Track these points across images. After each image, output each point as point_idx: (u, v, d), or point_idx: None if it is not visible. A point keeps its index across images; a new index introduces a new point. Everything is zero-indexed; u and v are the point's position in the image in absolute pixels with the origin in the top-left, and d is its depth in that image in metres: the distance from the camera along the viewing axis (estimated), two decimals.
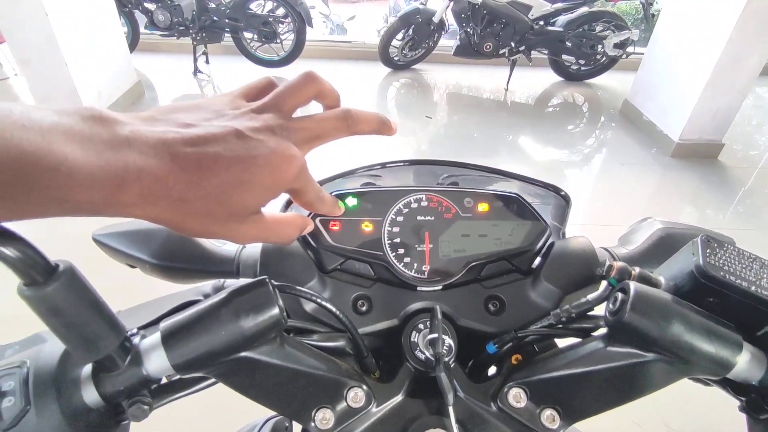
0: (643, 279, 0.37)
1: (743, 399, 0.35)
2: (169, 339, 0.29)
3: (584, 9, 3.92)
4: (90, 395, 0.29)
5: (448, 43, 4.36)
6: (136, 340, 0.30)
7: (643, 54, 3.63)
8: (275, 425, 0.55)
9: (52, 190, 0.20)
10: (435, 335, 0.38)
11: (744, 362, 0.32)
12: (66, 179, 0.20)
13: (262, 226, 0.29)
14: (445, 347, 0.39)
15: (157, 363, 0.29)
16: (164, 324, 0.30)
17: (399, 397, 0.38)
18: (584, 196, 2.86)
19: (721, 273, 0.33)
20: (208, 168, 0.25)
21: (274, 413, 0.59)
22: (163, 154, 0.24)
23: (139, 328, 0.32)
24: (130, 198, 0.23)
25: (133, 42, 4.02)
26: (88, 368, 0.29)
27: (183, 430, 1.35)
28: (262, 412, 0.48)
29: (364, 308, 0.44)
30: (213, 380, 0.33)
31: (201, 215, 0.26)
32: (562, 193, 0.52)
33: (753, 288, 0.33)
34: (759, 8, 2.62)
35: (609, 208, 2.70)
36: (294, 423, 0.58)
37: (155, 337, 0.30)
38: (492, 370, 0.44)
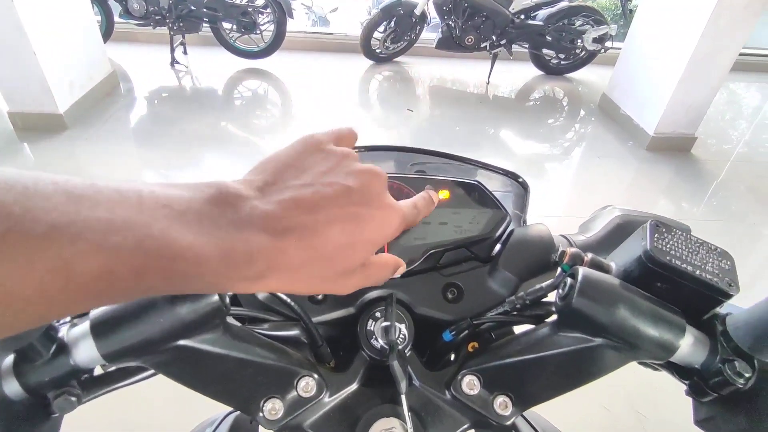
0: (595, 265, 0.37)
1: (687, 382, 0.35)
2: (98, 327, 0.28)
3: (564, 3, 3.95)
4: (11, 387, 0.27)
5: (430, 36, 4.34)
6: (65, 328, 0.29)
7: (620, 49, 3.68)
8: (236, 420, 0.54)
9: (184, 278, 0.21)
10: (389, 323, 0.37)
11: (687, 346, 0.32)
12: (194, 266, 0.21)
13: (366, 274, 0.29)
14: (401, 336, 0.38)
15: (85, 352, 0.28)
16: (94, 312, 0.29)
17: (353, 386, 0.37)
18: (562, 188, 2.89)
19: (668, 257, 0.33)
20: (323, 233, 0.25)
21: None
22: (281, 228, 0.24)
23: (72, 317, 0.31)
24: (256, 272, 0.23)
25: (107, 31, 3.90)
26: (9, 358, 0.28)
27: (139, 424, 1.30)
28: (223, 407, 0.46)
29: (319, 296, 0.43)
30: (152, 371, 0.32)
31: (313, 278, 0.26)
32: (520, 180, 0.52)
33: (698, 272, 0.33)
34: (731, 4, 2.68)
35: (585, 199, 2.75)
36: None
37: (84, 325, 0.29)
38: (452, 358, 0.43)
